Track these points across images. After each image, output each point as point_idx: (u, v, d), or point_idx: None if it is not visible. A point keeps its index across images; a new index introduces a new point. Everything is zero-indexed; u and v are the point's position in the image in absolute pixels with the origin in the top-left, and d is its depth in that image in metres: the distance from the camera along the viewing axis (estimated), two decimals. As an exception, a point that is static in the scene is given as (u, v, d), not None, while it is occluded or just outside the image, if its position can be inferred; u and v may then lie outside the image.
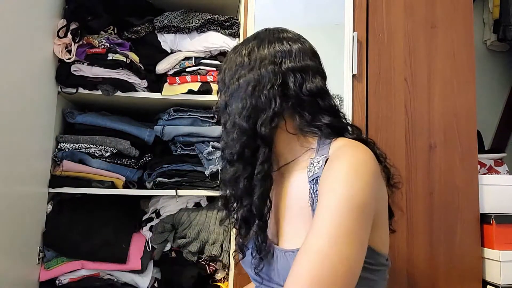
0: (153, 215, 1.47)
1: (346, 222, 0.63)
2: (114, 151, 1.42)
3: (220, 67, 0.89)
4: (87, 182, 1.39)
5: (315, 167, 0.75)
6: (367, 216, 0.66)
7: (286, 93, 0.78)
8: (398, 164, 1.31)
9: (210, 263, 1.42)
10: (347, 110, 1.33)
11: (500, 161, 1.57)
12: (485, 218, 1.30)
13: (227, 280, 1.41)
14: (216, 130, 1.48)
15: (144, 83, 1.46)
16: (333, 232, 0.62)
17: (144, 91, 1.46)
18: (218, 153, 1.45)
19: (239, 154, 0.78)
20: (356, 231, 0.63)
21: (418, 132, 1.35)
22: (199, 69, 1.48)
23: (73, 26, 1.38)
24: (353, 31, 1.37)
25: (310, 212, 0.73)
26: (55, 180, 1.37)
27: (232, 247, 1.38)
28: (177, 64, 1.49)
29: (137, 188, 1.47)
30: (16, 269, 1.19)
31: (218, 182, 1.41)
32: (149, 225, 1.44)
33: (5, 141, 1.07)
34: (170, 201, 1.48)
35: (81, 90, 1.40)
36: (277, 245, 0.79)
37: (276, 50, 0.80)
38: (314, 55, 0.84)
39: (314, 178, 0.73)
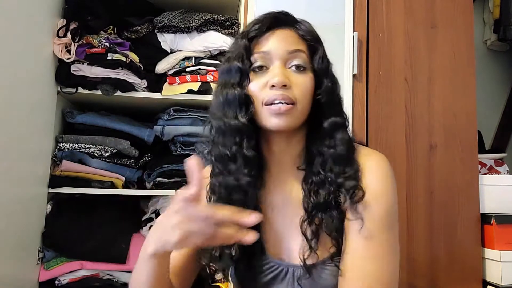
0: (153, 215, 1.47)
1: (387, 240, 0.64)
2: (114, 151, 1.42)
3: (305, 28, 0.78)
4: (86, 182, 1.39)
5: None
6: (397, 225, 0.68)
7: None
8: (398, 164, 1.31)
9: (210, 263, 1.41)
10: (347, 110, 1.33)
11: (500, 161, 1.56)
12: (485, 218, 1.30)
13: (227, 281, 1.41)
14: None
15: (144, 83, 1.46)
16: (379, 253, 0.63)
17: (144, 91, 1.46)
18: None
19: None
20: (395, 245, 0.66)
21: (418, 132, 1.35)
22: (199, 69, 1.48)
23: (72, 26, 1.38)
24: (354, 31, 1.37)
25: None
26: (55, 180, 1.36)
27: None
28: (177, 64, 1.49)
29: (137, 188, 1.47)
30: (16, 269, 1.18)
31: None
32: (148, 225, 1.44)
33: (4, 141, 1.06)
34: (170, 201, 1.48)
35: (80, 90, 1.40)
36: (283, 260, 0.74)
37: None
38: None
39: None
